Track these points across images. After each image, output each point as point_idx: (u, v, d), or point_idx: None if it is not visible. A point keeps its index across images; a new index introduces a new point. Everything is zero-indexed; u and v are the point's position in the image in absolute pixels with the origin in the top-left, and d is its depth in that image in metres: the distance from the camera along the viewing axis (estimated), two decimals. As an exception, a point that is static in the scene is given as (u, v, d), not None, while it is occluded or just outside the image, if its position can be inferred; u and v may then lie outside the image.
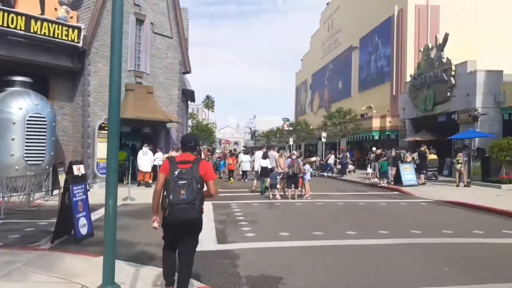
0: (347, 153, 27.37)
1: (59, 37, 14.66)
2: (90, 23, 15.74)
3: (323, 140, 31.93)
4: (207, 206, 10.62)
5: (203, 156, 17.96)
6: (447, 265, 6.12)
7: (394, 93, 32.29)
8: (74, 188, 7.31)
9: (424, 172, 19.60)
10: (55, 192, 12.47)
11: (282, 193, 14.68)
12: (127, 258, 6.16)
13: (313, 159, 29.18)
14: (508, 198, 13.44)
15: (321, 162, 28.63)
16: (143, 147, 16.93)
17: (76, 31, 15.14)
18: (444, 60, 22.77)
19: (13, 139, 12.95)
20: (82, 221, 7.32)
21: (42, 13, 14.50)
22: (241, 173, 21.91)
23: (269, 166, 15.59)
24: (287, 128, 55.25)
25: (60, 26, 14.66)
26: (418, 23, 30.88)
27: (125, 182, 13.85)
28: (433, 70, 23.77)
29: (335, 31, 48.75)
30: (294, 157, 14.71)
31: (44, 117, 13.61)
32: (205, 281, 5.31)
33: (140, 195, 13.03)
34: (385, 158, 19.86)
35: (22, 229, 8.32)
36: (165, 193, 4.13)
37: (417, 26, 30.88)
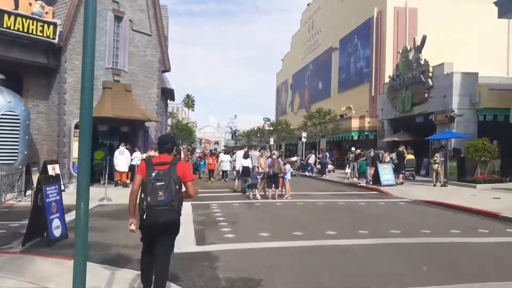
0: (327, 153, 27.56)
1: (34, 33, 14.22)
2: (66, 19, 15.34)
3: (304, 140, 32.09)
4: (186, 206, 10.49)
5: (182, 155, 17.74)
6: (426, 265, 6.16)
7: (373, 94, 32.70)
8: (48, 188, 7.07)
9: (402, 172, 19.86)
10: (28, 192, 12.09)
11: (263, 193, 14.63)
12: (102, 260, 5.99)
13: (294, 159, 29.27)
14: (483, 197, 13.72)
15: (302, 162, 28.74)
16: (120, 147, 16.62)
17: (51, 27, 14.72)
18: (422, 62, 23.16)
19: (-16, 138, 12.49)
20: (56, 222, 7.08)
21: (16, 8, 14.02)
22: (221, 173, 21.79)
23: (251, 166, 15.53)
24: (268, 128, 55.34)
25: (34, 22, 14.22)
26: (396, 25, 31.36)
27: (102, 182, 13.60)
28: (411, 72, 24.14)
29: (315, 32, 49.07)
30: (274, 157, 14.68)
31: (17, 115, 13.17)
32: (183, 283, 5.20)
33: (117, 196, 12.76)
34: (364, 158, 20.05)
35: (-8, 231, 8.01)
36: (142, 196, 4.08)
37: (396, 28, 31.36)
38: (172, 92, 26.82)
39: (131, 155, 16.73)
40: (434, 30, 27.21)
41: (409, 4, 31.16)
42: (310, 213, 11.32)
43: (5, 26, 13.36)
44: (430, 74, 22.35)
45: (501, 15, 19.78)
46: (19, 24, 13.73)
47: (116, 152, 16.39)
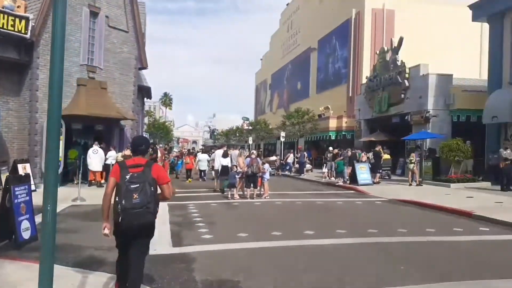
0: (305, 153, 27.68)
1: (5, 27, 13.70)
2: (39, 13, 14.85)
3: (282, 139, 32.15)
4: (163, 207, 10.28)
5: (159, 155, 17.43)
6: (403, 264, 6.19)
7: (350, 95, 33.05)
8: (16, 188, 6.78)
9: (379, 171, 20.13)
10: (-3, 192, 11.61)
11: (241, 193, 14.52)
12: (74, 263, 5.79)
13: (273, 158, 29.27)
14: (457, 196, 14.01)
15: (281, 161, 28.78)
16: (93, 145, 16.20)
17: (23, 21, 14.22)
18: (399, 63, 23.51)
19: (-50, 136, 11.96)
20: (25, 224, 6.80)
21: (-15, 0, 13.51)
22: (199, 172, 21.57)
23: (230, 165, 15.40)
24: (247, 127, 55.25)
25: (5, 16, 13.70)
26: (374, 27, 31.77)
27: (75, 182, 13.21)
28: (388, 73, 24.47)
29: (294, 32, 49.26)
30: (253, 156, 14.61)
31: (-14, 112, 12.67)
32: (159, 286, 5.06)
33: (91, 196, 12.41)
34: (342, 158, 20.22)
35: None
36: (117, 199, 3.97)
37: (374, 29, 31.77)
38: (149, 90, 26.39)
39: (106, 154, 16.35)
40: (411, 31, 27.68)
41: (387, 6, 31.63)
42: (289, 213, 11.29)
43: (-27, 19, 12.84)
44: (407, 75, 22.72)
45: (475, 18, 20.29)
46: (-12, 18, 13.21)
47: (90, 151, 15.97)
